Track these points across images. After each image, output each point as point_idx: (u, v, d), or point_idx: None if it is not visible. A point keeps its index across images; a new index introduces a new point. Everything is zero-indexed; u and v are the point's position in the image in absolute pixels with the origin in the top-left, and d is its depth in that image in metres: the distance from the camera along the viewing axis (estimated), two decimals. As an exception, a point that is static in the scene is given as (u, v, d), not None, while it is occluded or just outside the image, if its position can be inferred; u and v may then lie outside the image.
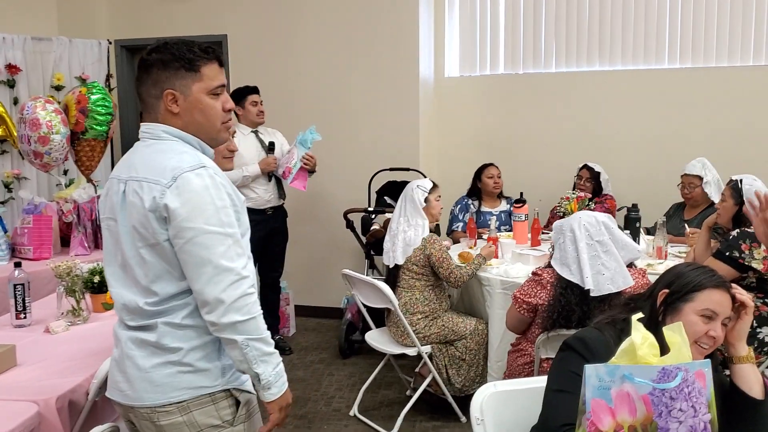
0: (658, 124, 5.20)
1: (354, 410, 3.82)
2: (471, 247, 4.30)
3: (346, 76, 5.26)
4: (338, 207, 4.97)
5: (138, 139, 1.86)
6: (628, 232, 3.82)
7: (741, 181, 3.39)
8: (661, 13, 5.19)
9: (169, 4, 5.54)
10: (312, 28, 5.30)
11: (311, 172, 4.54)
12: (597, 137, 5.32)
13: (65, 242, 4.37)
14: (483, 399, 2.08)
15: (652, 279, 3.37)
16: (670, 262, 3.73)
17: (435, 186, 3.84)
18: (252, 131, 4.54)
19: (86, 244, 4.28)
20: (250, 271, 1.75)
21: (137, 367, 1.76)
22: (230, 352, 1.74)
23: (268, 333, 1.78)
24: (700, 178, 4.25)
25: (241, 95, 4.50)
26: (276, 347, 1.85)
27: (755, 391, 1.76)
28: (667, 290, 1.82)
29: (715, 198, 4.15)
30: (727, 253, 3.20)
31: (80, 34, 5.39)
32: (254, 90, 4.54)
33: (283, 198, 4.64)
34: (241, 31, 5.43)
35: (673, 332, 1.53)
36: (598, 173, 4.79)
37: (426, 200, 3.74)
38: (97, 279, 3.06)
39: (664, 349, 1.51)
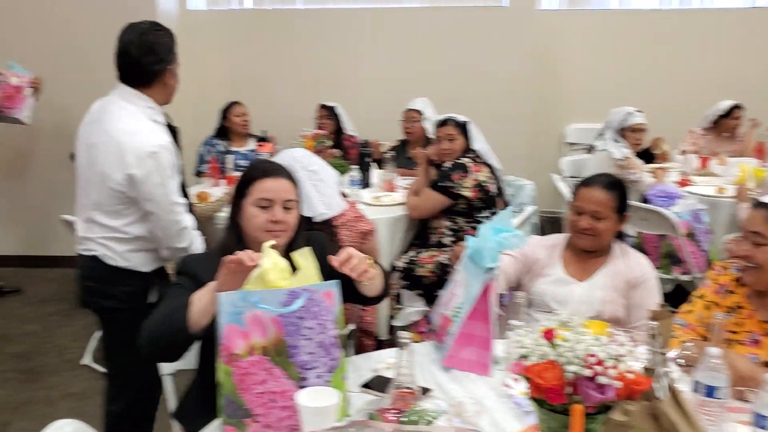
0: (398, 62, 5.44)
1: (86, 359, 3.68)
2: (216, 185, 4.29)
3: (79, 9, 4.84)
4: (57, 151, 4.65)
5: None
6: (357, 167, 4.01)
7: (467, 122, 3.63)
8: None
9: None
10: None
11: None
12: (340, 74, 5.46)
13: None
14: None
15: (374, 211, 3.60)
16: (398, 195, 3.97)
17: None
18: None
19: None
20: None
21: None
22: None
23: None
24: (420, 113, 4.56)
25: None
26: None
27: (375, 289, 1.87)
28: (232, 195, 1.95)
29: (431, 133, 4.49)
30: (441, 184, 3.49)
31: None
32: None
33: None
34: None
35: (302, 256, 1.64)
36: (332, 108, 4.90)
37: None
38: None
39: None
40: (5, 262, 5.11)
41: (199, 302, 1.61)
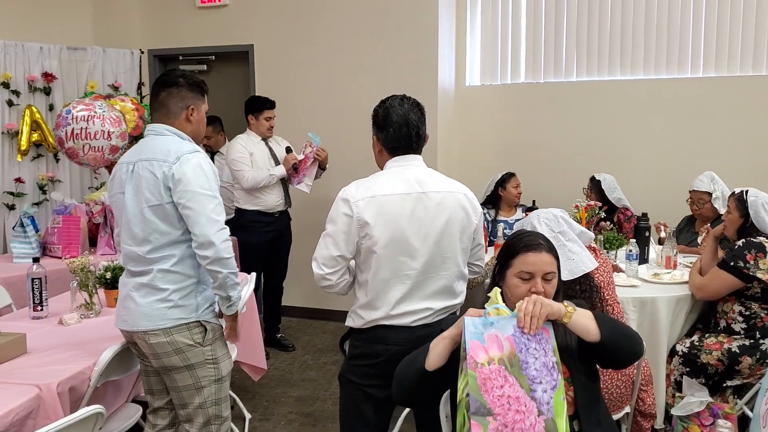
0: (677, 134, 5.17)
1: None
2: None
3: (366, 85, 5.36)
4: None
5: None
6: (634, 240, 3.82)
7: (746, 192, 3.40)
8: (684, 21, 5.17)
9: (199, 15, 5.76)
10: (333, 38, 5.45)
11: (322, 169, 4.78)
12: (614, 146, 5.33)
13: (94, 242, 4.59)
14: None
15: (653, 288, 3.44)
16: (678, 273, 3.72)
17: None
18: (262, 139, 4.77)
19: (113, 244, 4.48)
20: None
21: (136, 303, 2.44)
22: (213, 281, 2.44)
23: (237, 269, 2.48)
24: (710, 194, 4.20)
25: (258, 107, 4.73)
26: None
27: (592, 335, 1.90)
28: (496, 262, 2.12)
29: (723, 210, 4.16)
30: (732, 263, 3.21)
31: (115, 43, 5.66)
32: (272, 105, 4.77)
33: (289, 204, 4.86)
34: (267, 42, 5.62)
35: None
36: (599, 181, 4.70)
37: None
38: (109, 275, 3.23)
39: None
40: (292, 312, 5.68)
41: (436, 347, 1.94)
